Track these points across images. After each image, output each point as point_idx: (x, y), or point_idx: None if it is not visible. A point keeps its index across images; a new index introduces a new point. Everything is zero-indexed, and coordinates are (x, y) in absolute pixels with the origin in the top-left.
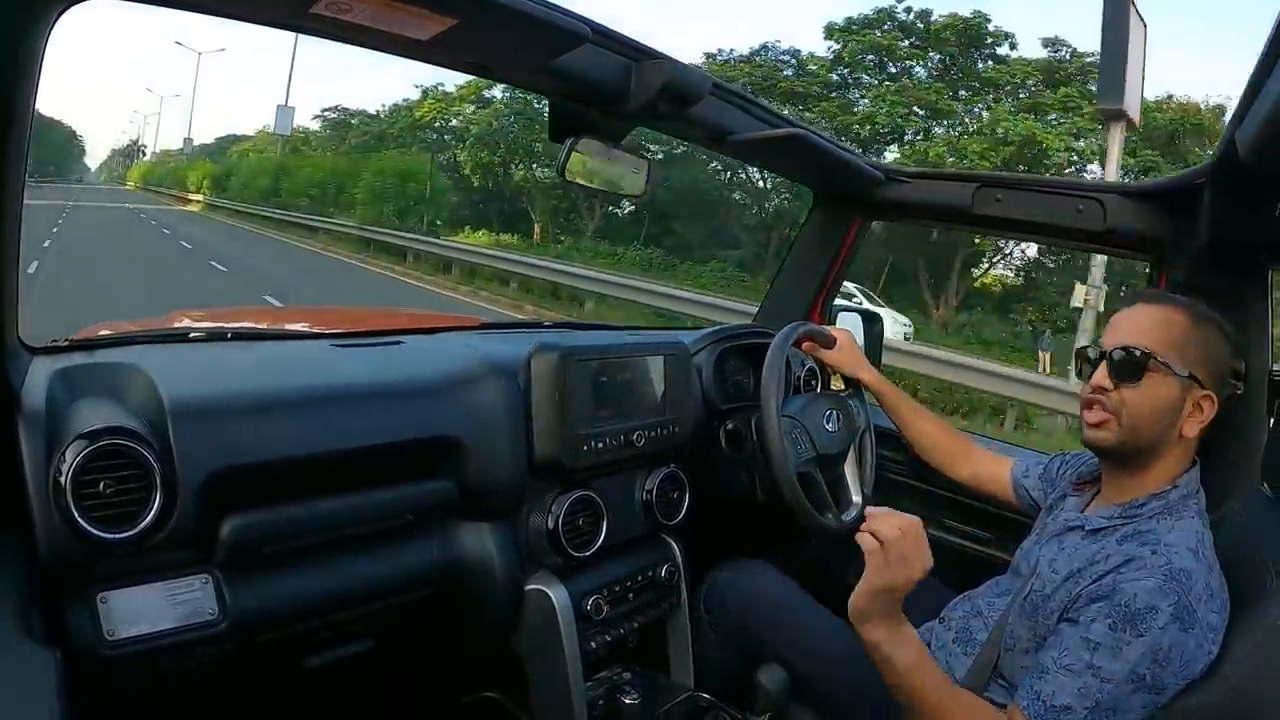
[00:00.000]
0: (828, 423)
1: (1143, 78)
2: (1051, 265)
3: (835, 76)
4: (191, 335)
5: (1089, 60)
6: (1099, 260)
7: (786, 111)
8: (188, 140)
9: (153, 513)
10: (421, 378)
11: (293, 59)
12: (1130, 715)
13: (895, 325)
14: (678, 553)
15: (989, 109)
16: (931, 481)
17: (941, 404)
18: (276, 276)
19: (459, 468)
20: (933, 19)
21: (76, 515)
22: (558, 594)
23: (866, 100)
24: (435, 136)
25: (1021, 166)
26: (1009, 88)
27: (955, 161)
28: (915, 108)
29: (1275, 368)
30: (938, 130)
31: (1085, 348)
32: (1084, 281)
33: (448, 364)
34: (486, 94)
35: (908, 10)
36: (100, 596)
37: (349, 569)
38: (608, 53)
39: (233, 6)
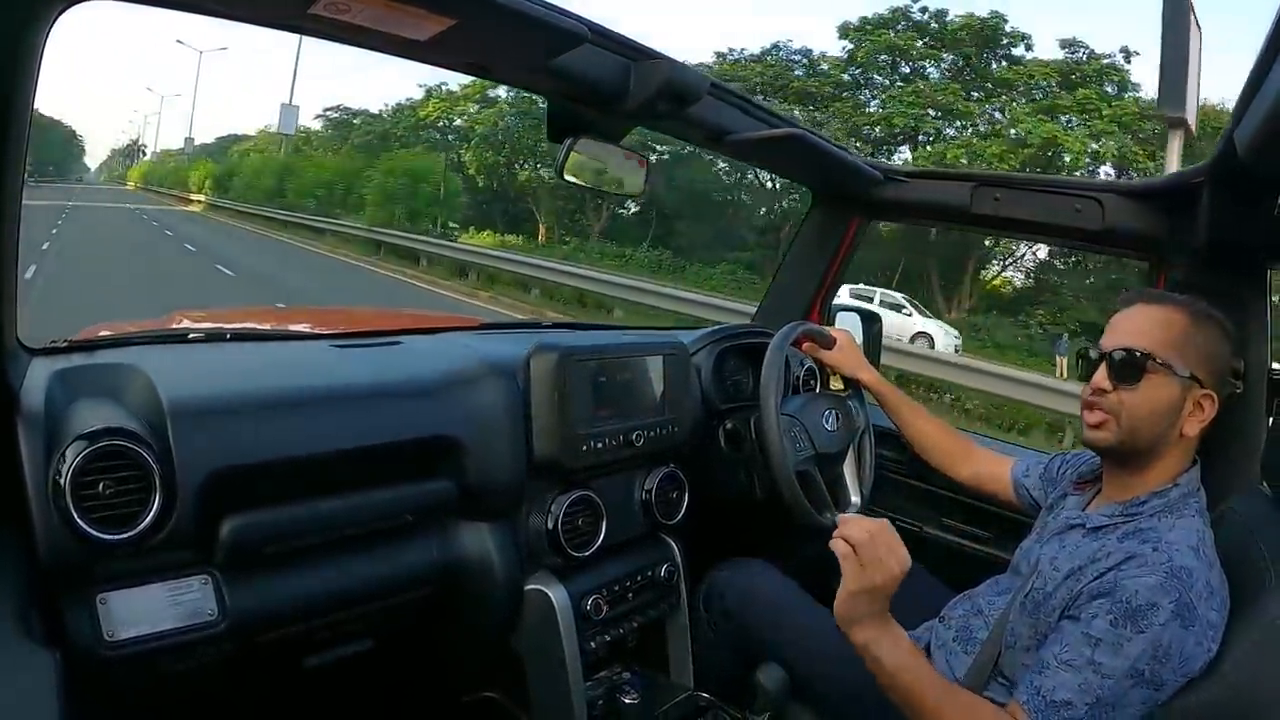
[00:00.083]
0: (827, 422)
1: (1199, 84)
2: (1062, 267)
3: (847, 76)
4: (190, 336)
5: (1107, 62)
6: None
7: (797, 112)
8: (189, 140)
9: (152, 513)
10: (421, 378)
11: (297, 57)
12: (1129, 711)
13: (947, 338)
14: (677, 552)
15: (1003, 110)
16: (931, 481)
17: (997, 420)
18: (289, 282)
19: (458, 468)
20: (948, 19)
21: (76, 516)
22: (557, 594)
23: (878, 101)
24: (439, 136)
25: (1039, 169)
26: (1024, 89)
27: (971, 163)
28: (929, 109)
29: (1275, 367)
30: (949, 131)
31: (1086, 348)
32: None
33: (447, 364)
34: (491, 93)
35: (923, 10)
36: (100, 597)
37: (349, 569)
38: (606, 53)
39: (231, 7)
